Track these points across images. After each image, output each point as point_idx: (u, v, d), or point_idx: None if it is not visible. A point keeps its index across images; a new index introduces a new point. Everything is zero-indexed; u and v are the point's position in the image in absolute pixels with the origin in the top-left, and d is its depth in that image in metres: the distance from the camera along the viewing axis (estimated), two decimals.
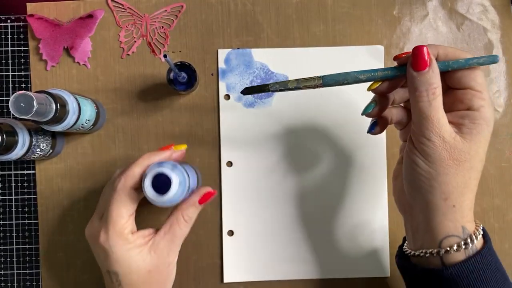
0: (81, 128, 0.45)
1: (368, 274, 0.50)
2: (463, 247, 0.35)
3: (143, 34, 0.51)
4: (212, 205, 0.50)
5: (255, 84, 0.50)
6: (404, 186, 0.38)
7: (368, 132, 0.41)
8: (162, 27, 0.51)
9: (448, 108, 0.36)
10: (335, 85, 0.39)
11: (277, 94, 0.50)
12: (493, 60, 0.36)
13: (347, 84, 0.38)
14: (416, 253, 0.37)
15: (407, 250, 0.39)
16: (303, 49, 0.51)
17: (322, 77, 0.38)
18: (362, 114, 0.40)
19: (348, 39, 0.51)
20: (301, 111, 0.51)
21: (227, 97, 0.51)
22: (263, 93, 0.50)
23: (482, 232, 0.36)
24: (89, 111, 0.45)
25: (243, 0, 0.51)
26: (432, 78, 0.34)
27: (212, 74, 0.51)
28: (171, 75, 0.47)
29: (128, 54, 0.51)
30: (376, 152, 0.51)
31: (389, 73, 0.37)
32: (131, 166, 0.40)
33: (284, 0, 0.51)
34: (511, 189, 0.51)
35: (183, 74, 0.46)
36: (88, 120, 0.45)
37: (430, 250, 0.36)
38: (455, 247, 0.35)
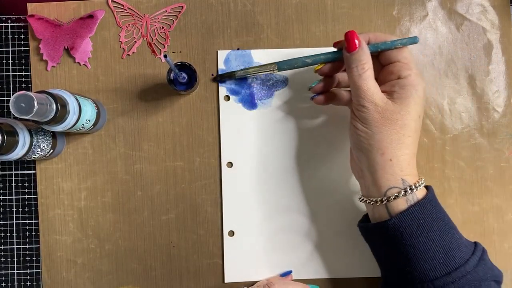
0: (81, 128, 0.45)
1: (368, 274, 0.50)
2: (402, 194, 0.40)
3: (143, 34, 0.51)
4: (213, 205, 0.51)
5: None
6: (352, 151, 0.45)
7: (311, 98, 0.48)
8: (163, 27, 0.51)
9: (383, 80, 0.44)
10: (289, 69, 0.48)
11: (276, 95, 0.51)
12: (413, 41, 0.43)
13: (298, 68, 0.47)
14: (367, 201, 0.43)
15: (361, 198, 0.44)
16: (302, 49, 0.51)
17: (277, 63, 0.47)
18: (308, 88, 0.48)
19: None
20: (300, 112, 0.51)
21: (227, 98, 0.51)
22: (263, 94, 0.51)
23: (422, 184, 0.41)
24: (89, 111, 0.45)
25: (243, 1, 0.51)
26: (361, 56, 0.41)
27: (212, 75, 0.51)
28: (172, 75, 0.47)
29: (129, 55, 0.51)
30: None
31: (330, 56, 0.45)
32: None
33: (284, 0, 0.51)
34: (510, 189, 0.51)
35: (183, 75, 0.47)
36: (89, 120, 0.46)
37: (375, 198, 0.42)
38: (394, 194, 0.40)
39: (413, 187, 0.40)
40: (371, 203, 0.42)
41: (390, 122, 0.41)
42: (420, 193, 0.41)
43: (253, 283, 0.50)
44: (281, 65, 0.47)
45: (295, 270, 0.50)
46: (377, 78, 0.43)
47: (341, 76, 0.47)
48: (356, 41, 0.42)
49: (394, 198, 0.40)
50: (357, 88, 0.41)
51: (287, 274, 0.50)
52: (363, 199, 0.44)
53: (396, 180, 0.41)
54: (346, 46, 0.42)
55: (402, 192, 0.40)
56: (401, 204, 0.40)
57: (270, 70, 0.48)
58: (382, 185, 0.41)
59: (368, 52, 0.42)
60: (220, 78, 0.50)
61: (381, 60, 0.45)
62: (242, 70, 0.49)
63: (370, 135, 0.41)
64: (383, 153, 0.41)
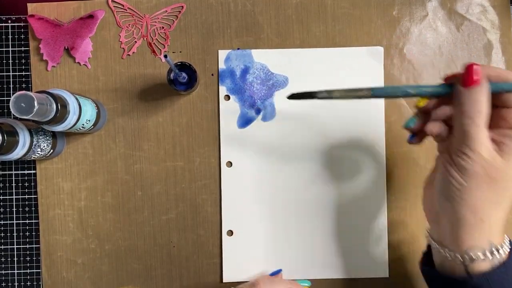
0: (81, 128, 0.45)
1: (368, 274, 0.50)
2: (489, 256, 0.36)
3: (143, 34, 0.51)
4: (213, 205, 0.51)
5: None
6: (435, 195, 0.39)
7: (408, 141, 0.41)
8: (163, 27, 0.51)
9: (491, 125, 0.36)
10: (384, 97, 0.39)
11: (276, 95, 0.51)
12: None
13: (396, 97, 0.39)
14: (440, 250, 0.38)
15: (431, 241, 0.39)
16: (303, 50, 0.51)
17: (372, 89, 0.38)
18: (404, 127, 0.41)
19: (347, 39, 0.51)
20: (301, 112, 0.51)
21: (227, 97, 0.51)
22: (263, 94, 0.50)
23: (509, 246, 0.37)
24: (89, 111, 0.45)
25: (243, 1, 0.51)
26: (481, 96, 0.35)
27: (212, 75, 0.51)
28: (172, 75, 0.47)
29: (129, 55, 0.51)
30: (376, 154, 0.51)
31: (439, 89, 0.38)
32: None
33: (284, 0, 0.51)
34: None
35: (184, 75, 0.47)
36: (89, 120, 0.46)
37: (452, 252, 0.37)
38: (480, 256, 0.36)
39: (499, 247, 0.36)
40: (445, 254, 0.37)
41: (492, 181, 0.35)
42: (505, 253, 0.36)
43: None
44: (377, 92, 0.38)
45: (294, 270, 0.50)
46: None
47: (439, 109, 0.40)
48: (478, 77, 0.35)
49: (479, 260, 0.36)
50: (466, 134, 0.35)
51: (276, 273, 0.50)
52: (434, 245, 0.39)
53: (482, 241, 0.36)
54: (463, 79, 0.35)
55: (488, 254, 0.36)
56: (483, 265, 0.36)
57: (361, 95, 0.38)
58: (464, 242, 0.36)
59: (489, 93, 0.35)
60: (295, 97, 0.40)
61: (494, 100, 0.36)
62: (325, 91, 0.39)
63: (466, 189, 0.35)
64: (475, 211, 0.35)
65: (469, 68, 0.35)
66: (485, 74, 0.36)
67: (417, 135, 0.41)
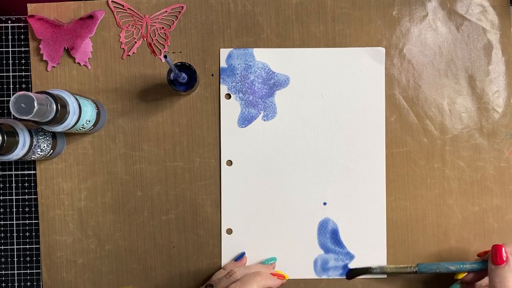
0: (81, 128, 0.45)
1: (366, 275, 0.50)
2: None
3: (143, 34, 0.51)
4: (213, 205, 0.51)
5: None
6: None
7: None
8: (163, 27, 0.51)
9: None
10: (428, 273, 0.47)
11: (277, 94, 0.51)
12: None
13: (439, 272, 0.47)
14: None
15: None
16: (306, 49, 0.51)
17: (418, 265, 0.47)
18: None
19: (347, 39, 0.51)
20: (301, 112, 0.51)
21: (228, 96, 0.51)
22: (264, 93, 0.51)
23: None
24: (89, 112, 0.45)
25: (243, 1, 0.51)
26: (507, 273, 0.42)
27: (212, 75, 0.51)
28: (172, 75, 0.47)
29: (129, 55, 0.51)
30: (376, 154, 0.51)
31: (475, 266, 0.46)
32: None
33: (284, 0, 0.51)
34: (510, 189, 0.51)
35: (184, 75, 0.47)
36: (89, 121, 0.46)
37: None
38: None
39: None
40: None
41: None
42: None
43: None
44: (422, 268, 0.47)
45: (293, 269, 0.50)
46: None
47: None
48: (504, 256, 0.43)
49: None
50: None
51: (241, 257, 0.50)
52: None
53: None
54: (492, 258, 0.43)
55: None
56: None
57: (409, 272, 0.48)
58: None
59: None
60: (353, 276, 0.50)
61: None
62: (379, 267, 0.49)
63: None
64: None
65: (496, 249, 0.43)
66: (510, 252, 0.43)
67: None
